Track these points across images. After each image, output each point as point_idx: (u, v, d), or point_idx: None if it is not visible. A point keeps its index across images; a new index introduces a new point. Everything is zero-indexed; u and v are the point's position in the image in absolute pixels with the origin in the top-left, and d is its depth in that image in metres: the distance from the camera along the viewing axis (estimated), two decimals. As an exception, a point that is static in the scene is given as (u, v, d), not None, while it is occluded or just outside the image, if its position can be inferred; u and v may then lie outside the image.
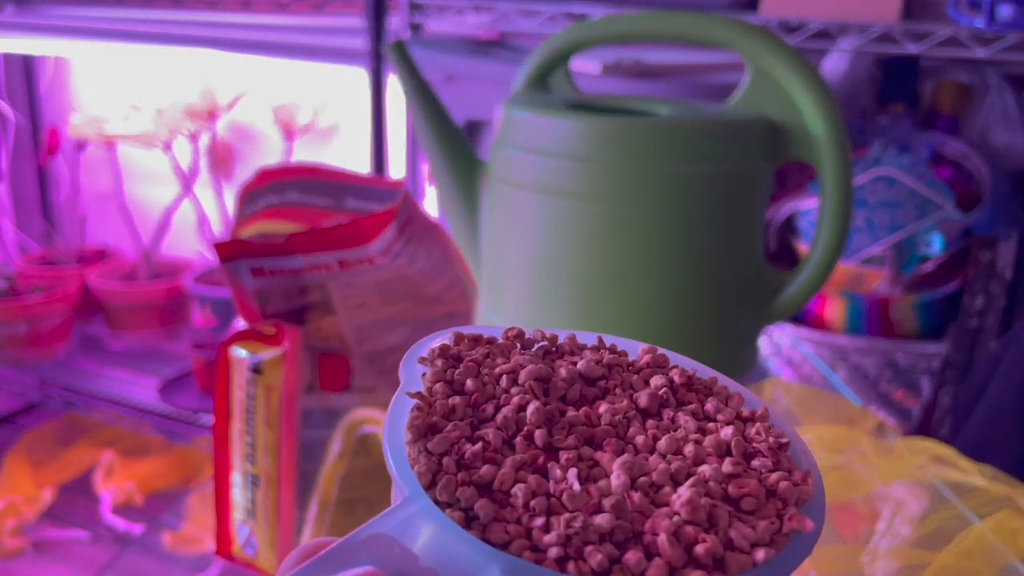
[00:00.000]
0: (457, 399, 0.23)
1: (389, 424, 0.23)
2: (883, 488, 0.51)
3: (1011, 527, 0.45)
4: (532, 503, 0.20)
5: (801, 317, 0.85)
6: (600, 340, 0.28)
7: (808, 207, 0.81)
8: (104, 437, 1.41)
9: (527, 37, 1.09)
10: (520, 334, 0.27)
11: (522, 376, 0.24)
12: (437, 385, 0.24)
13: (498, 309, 0.59)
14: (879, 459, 0.53)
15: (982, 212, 0.80)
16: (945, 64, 0.90)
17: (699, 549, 0.20)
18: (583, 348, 0.27)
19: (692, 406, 0.25)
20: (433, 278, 0.60)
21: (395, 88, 0.89)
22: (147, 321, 1.42)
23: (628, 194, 0.52)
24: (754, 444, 0.23)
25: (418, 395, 0.23)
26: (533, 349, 0.27)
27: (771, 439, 0.24)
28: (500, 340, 0.27)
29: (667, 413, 0.25)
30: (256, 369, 0.58)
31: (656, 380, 0.26)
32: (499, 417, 0.23)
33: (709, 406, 0.25)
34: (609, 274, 0.53)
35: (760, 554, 0.20)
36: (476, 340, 0.27)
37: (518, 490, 0.21)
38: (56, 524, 1.29)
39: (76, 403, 1.36)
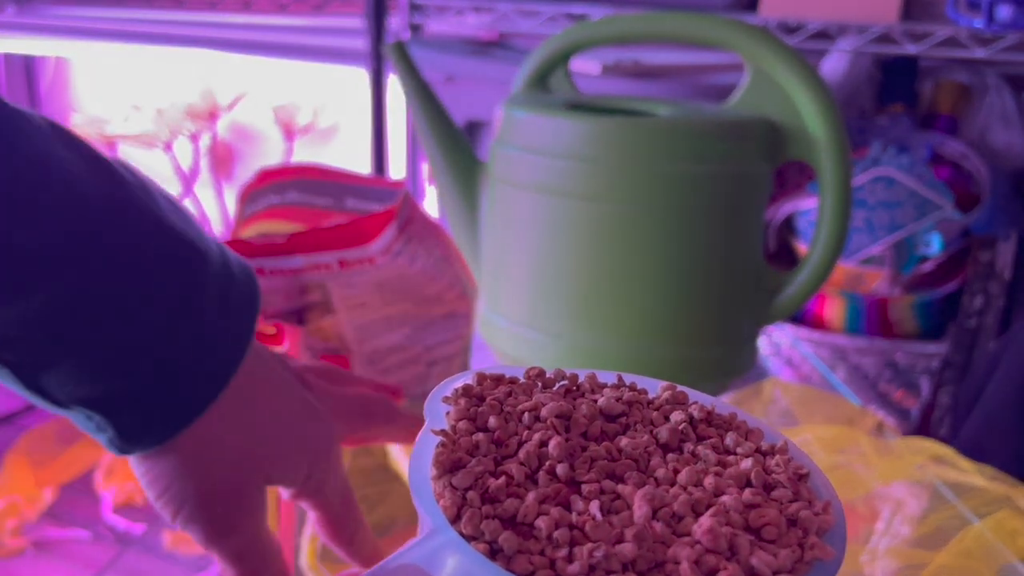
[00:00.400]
0: (481, 436, 0.24)
1: (414, 460, 0.23)
2: (883, 488, 0.51)
3: (1011, 527, 0.45)
4: (555, 534, 0.21)
5: (801, 317, 0.85)
6: (620, 378, 0.28)
7: (808, 207, 0.81)
8: (104, 437, 1.41)
9: (527, 37, 1.09)
10: (541, 373, 0.28)
11: (544, 412, 0.25)
12: (461, 423, 0.24)
13: (498, 309, 0.59)
14: (878, 459, 0.53)
15: (981, 212, 0.81)
16: (944, 64, 0.90)
17: None
18: (603, 386, 0.28)
19: (712, 440, 0.25)
20: (433, 278, 0.60)
21: (395, 88, 0.89)
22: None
23: (628, 194, 0.52)
24: (774, 475, 0.24)
25: (442, 432, 0.24)
26: (554, 388, 0.27)
27: (790, 470, 0.24)
28: (522, 379, 0.27)
29: (687, 447, 0.25)
30: (256, 369, 0.58)
31: (676, 415, 0.26)
32: (522, 452, 0.23)
33: (728, 440, 0.25)
34: (609, 274, 0.53)
35: None
36: (498, 380, 0.27)
37: (541, 522, 0.21)
38: (57, 524, 1.29)
39: (76, 403, 1.36)
